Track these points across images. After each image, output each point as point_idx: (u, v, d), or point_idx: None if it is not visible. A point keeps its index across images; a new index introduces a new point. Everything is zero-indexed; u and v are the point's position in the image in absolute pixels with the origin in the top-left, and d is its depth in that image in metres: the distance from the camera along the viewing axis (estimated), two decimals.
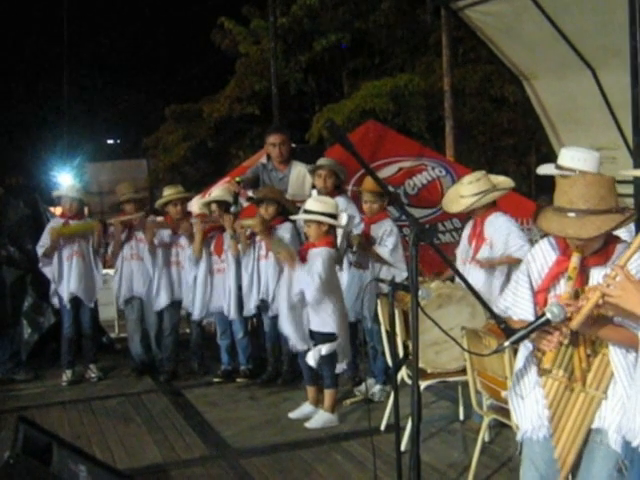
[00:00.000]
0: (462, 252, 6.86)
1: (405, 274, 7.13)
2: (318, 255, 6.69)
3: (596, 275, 3.44)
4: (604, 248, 3.45)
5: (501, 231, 6.47)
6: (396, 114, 18.36)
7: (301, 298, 6.76)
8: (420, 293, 4.46)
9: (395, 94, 18.12)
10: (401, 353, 6.15)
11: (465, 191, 6.59)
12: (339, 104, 18.98)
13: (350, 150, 3.18)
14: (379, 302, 6.70)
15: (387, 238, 7.34)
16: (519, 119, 17.24)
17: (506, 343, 3.34)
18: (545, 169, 5.69)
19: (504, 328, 3.45)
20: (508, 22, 9.87)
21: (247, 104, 21.52)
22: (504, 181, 6.83)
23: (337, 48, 20.32)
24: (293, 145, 9.81)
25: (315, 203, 6.84)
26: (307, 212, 6.83)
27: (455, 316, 6.08)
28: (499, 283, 6.45)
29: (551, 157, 10.10)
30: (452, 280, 6.64)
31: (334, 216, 6.82)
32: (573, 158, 5.41)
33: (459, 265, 6.73)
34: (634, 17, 4.90)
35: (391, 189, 9.57)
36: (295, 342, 6.90)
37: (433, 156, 10.51)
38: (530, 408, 3.68)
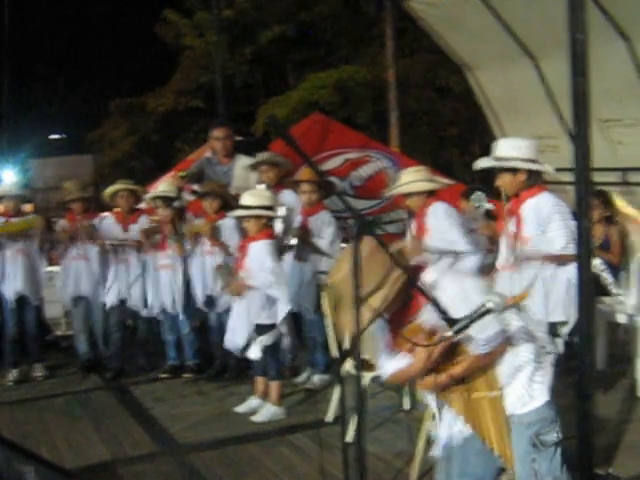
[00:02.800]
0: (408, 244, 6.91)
1: None
2: (263, 250, 6.70)
3: None
4: None
5: (443, 222, 6.53)
6: (341, 106, 18.39)
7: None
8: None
9: (340, 86, 18.17)
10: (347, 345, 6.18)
11: (406, 178, 6.70)
12: (284, 96, 18.97)
13: (291, 144, 3.18)
14: (322, 294, 6.72)
15: (325, 230, 7.38)
16: (463, 109, 17.35)
17: (449, 333, 3.39)
18: (484, 162, 5.72)
19: (446, 318, 3.49)
20: (451, 13, 9.96)
21: (192, 97, 21.41)
22: (444, 180, 6.97)
23: (282, 40, 20.27)
24: (239, 138, 9.79)
25: (250, 197, 6.84)
26: (244, 207, 6.82)
27: None
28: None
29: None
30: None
31: (271, 208, 6.83)
32: (512, 147, 5.48)
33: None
34: (574, 6, 4.96)
35: (336, 181, 9.60)
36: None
37: (378, 147, 10.55)
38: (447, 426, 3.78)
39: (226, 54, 18.99)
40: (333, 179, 9.53)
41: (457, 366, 3.59)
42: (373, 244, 3.47)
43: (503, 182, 5.56)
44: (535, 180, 5.53)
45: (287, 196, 7.71)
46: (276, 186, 7.85)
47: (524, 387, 3.64)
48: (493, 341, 3.51)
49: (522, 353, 3.66)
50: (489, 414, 3.67)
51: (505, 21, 9.40)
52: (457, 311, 3.43)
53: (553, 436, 3.67)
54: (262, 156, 8.16)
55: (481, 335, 3.48)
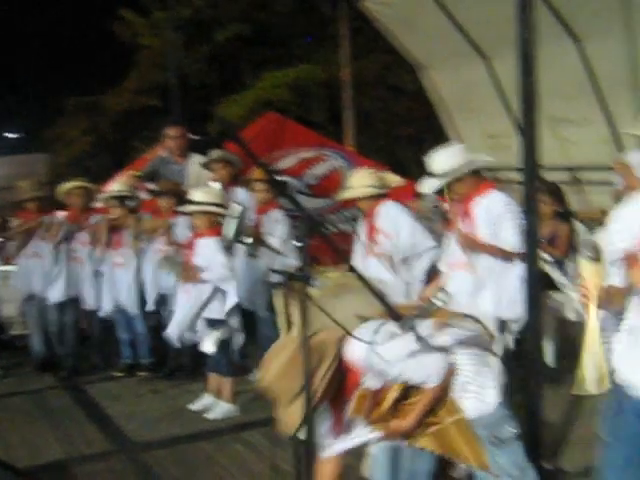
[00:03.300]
0: (361, 244, 6.97)
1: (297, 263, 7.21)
2: (211, 246, 6.75)
3: None
4: None
5: (394, 221, 6.59)
6: (297, 105, 18.39)
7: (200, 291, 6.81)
8: (313, 283, 4.57)
9: (295, 85, 18.18)
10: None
11: (355, 182, 6.75)
12: (241, 95, 18.93)
13: (240, 145, 3.23)
14: (275, 293, 6.77)
15: (278, 228, 7.43)
16: (418, 108, 17.42)
17: (396, 330, 3.47)
18: (429, 185, 5.72)
19: (392, 315, 3.57)
20: (404, 13, 10.05)
21: (149, 96, 21.29)
22: (396, 180, 7.02)
23: (238, 39, 20.20)
24: (195, 137, 9.81)
25: (200, 194, 6.88)
26: (193, 203, 6.85)
27: (354, 305, 6.15)
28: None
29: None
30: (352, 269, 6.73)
31: (221, 205, 6.87)
32: (448, 158, 5.51)
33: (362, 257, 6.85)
34: (524, 5, 5.05)
35: (291, 180, 9.64)
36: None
37: (333, 147, 10.60)
38: None
39: (182, 53, 18.90)
40: (288, 178, 9.57)
41: (416, 406, 3.72)
42: (292, 349, 3.59)
43: (454, 192, 5.60)
44: (480, 178, 5.60)
45: (240, 194, 7.74)
46: (229, 184, 7.87)
47: (474, 395, 3.78)
48: (439, 372, 3.65)
49: (464, 368, 3.80)
50: (458, 437, 3.78)
51: (458, 21, 9.51)
52: (413, 374, 3.61)
53: (509, 432, 3.82)
54: (215, 154, 8.18)
55: (427, 371, 3.63)
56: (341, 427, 3.91)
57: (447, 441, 3.81)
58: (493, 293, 5.56)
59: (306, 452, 3.43)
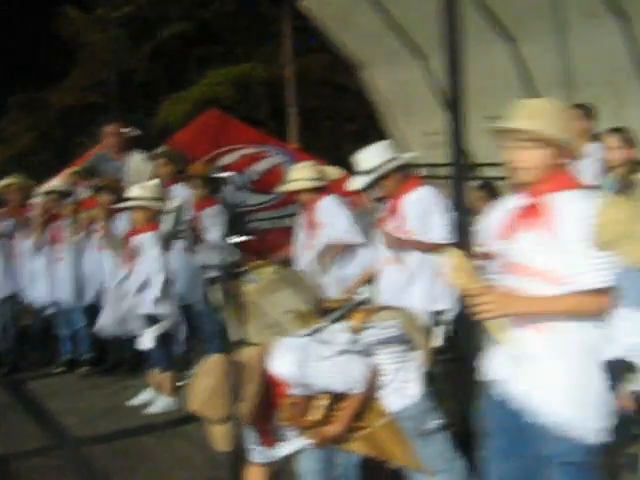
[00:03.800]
0: (300, 239, 7.02)
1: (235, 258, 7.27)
2: (148, 241, 6.80)
3: None
4: None
5: (330, 216, 6.67)
6: (241, 102, 18.42)
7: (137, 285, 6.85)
8: (249, 278, 4.68)
9: (238, 82, 18.21)
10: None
11: (295, 175, 6.81)
12: (185, 92, 18.92)
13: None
14: (213, 287, 6.80)
15: (216, 223, 7.47)
16: (362, 105, 17.52)
17: (319, 325, 3.56)
18: (358, 182, 5.78)
19: (318, 310, 3.67)
20: (342, 12, 10.13)
21: (93, 93, 21.14)
22: (336, 174, 7.07)
23: (182, 36, 20.16)
24: (135, 133, 9.80)
25: (138, 189, 6.91)
26: (131, 199, 6.89)
27: (292, 299, 6.22)
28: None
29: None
30: (290, 264, 6.83)
31: (159, 200, 6.91)
32: (374, 155, 5.59)
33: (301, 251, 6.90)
34: (450, 6, 5.16)
35: (234, 175, 9.69)
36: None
37: (275, 144, 10.64)
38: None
39: (126, 50, 18.85)
40: (231, 173, 9.62)
41: (343, 413, 3.78)
42: (221, 370, 3.60)
43: (382, 189, 5.69)
44: (407, 174, 5.71)
45: (179, 190, 7.78)
46: (170, 181, 7.90)
47: (397, 389, 3.88)
48: (363, 379, 3.72)
49: (386, 367, 3.88)
50: (389, 440, 3.88)
51: (395, 20, 9.60)
52: (338, 384, 3.69)
53: (434, 423, 3.90)
54: (160, 149, 8.21)
55: (351, 380, 3.70)
56: (270, 436, 3.96)
57: (379, 444, 3.90)
58: (424, 286, 5.61)
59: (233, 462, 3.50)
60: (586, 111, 7.11)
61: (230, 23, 19.95)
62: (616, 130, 6.12)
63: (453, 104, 5.25)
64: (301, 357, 3.70)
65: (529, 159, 3.30)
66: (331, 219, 6.62)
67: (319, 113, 18.45)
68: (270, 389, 3.78)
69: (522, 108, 3.34)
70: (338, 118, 19.13)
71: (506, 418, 3.44)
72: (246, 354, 3.88)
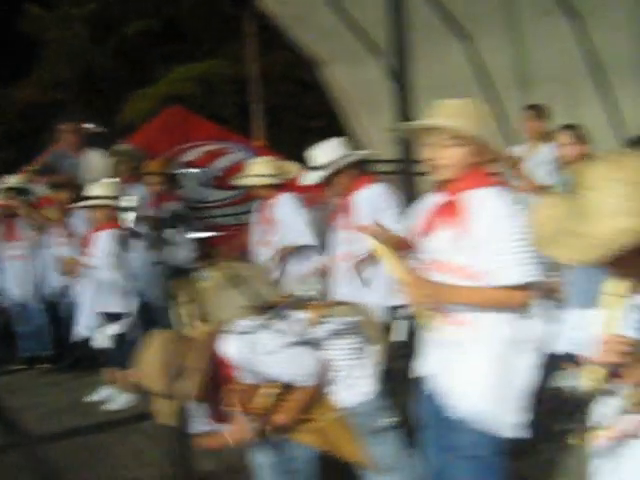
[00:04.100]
0: (257, 234, 7.05)
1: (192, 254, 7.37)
2: (106, 240, 6.82)
3: None
4: None
5: (286, 214, 6.71)
6: (206, 99, 18.39)
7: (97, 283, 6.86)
8: (205, 274, 4.72)
9: (203, 79, 18.19)
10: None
11: (252, 170, 6.82)
12: (149, 89, 18.86)
13: None
14: (171, 284, 6.82)
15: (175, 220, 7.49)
16: (326, 101, 17.55)
17: (264, 320, 3.60)
18: (309, 177, 5.83)
19: (262, 306, 3.71)
20: (300, 11, 10.15)
21: (57, 90, 21.03)
22: (295, 169, 7.08)
23: (147, 33, 20.08)
24: (95, 130, 9.79)
25: (96, 188, 6.91)
26: (90, 198, 6.89)
27: (247, 295, 6.24)
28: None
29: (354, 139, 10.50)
30: (246, 259, 6.86)
31: (118, 198, 6.92)
32: (329, 151, 5.63)
33: (256, 247, 6.92)
34: (396, 6, 5.24)
35: (198, 171, 9.72)
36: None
37: (238, 140, 10.64)
38: None
39: (89, 47, 18.77)
40: (194, 170, 9.65)
41: (291, 404, 3.81)
42: (165, 341, 3.68)
43: (335, 185, 5.69)
44: (360, 171, 5.73)
45: (137, 188, 7.78)
46: (130, 178, 7.91)
47: (351, 385, 3.89)
48: (313, 373, 3.75)
49: (339, 362, 3.90)
50: (339, 435, 3.90)
51: (354, 19, 9.62)
52: (284, 373, 3.72)
53: (386, 421, 3.92)
54: (120, 147, 8.21)
55: (298, 371, 3.73)
56: (219, 418, 3.98)
57: (328, 438, 3.92)
58: (381, 282, 5.58)
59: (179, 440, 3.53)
60: (539, 111, 7.20)
61: (195, 20, 19.90)
62: (568, 127, 6.21)
63: (398, 102, 5.33)
64: (251, 342, 3.71)
65: (448, 157, 3.35)
66: (286, 218, 6.65)
67: (284, 110, 18.45)
68: (220, 369, 3.80)
69: (442, 107, 3.38)
70: (304, 115, 19.14)
71: (435, 412, 3.50)
72: (196, 331, 3.96)
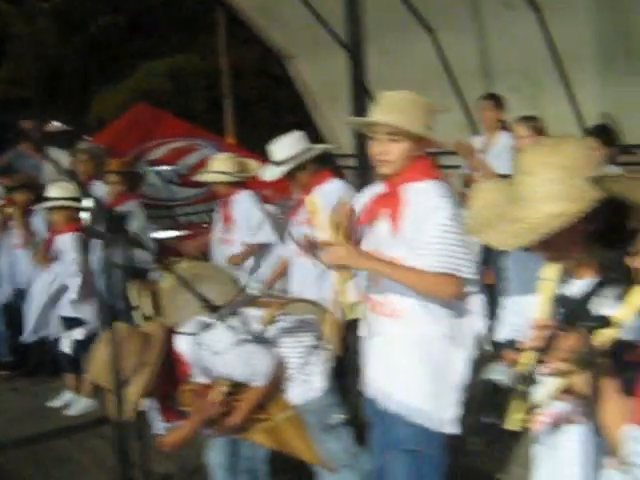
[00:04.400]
0: (217, 232, 6.96)
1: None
2: (67, 242, 6.71)
3: None
4: None
5: (245, 212, 6.62)
6: (176, 94, 18.29)
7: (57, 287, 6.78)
8: (161, 275, 4.67)
9: (173, 74, 18.08)
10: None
11: (212, 167, 6.75)
12: (119, 85, 18.73)
13: None
14: (132, 285, 6.73)
15: (133, 220, 7.40)
16: (298, 96, 17.48)
17: (212, 319, 3.54)
18: (270, 173, 5.71)
19: (207, 306, 3.64)
20: (267, 4, 10.10)
21: (23, 87, 20.81)
22: (254, 165, 6.99)
23: (115, 28, 19.92)
24: (57, 129, 9.71)
25: (56, 189, 6.81)
26: (49, 199, 6.80)
27: (207, 294, 6.17)
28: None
29: (319, 134, 10.45)
30: (205, 259, 6.79)
31: (78, 199, 6.82)
32: (288, 146, 5.50)
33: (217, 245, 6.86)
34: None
35: (164, 169, 9.64)
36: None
37: (207, 137, 10.58)
38: None
39: (57, 42, 18.60)
40: (161, 167, 9.59)
41: (243, 404, 3.77)
42: (121, 335, 3.62)
43: (295, 181, 5.57)
44: (320, 166, 5.64)
45: (98, 187, 7.69)
46: (90, 177, 7.82)
47: (303, 381, 3.87)
48: (265, 372, 3.70)
49: (292, 360, 3.88)
50: (292, 434, 3.88)
51: (315, 10, 9.57)
52: (236, 372, 3.69)
53: (338, 418, 3.90)
54: (82, 145, 8.11)
55: (251, 370, 3.69)
56: (172, 416, 3.95)
57: (281, 437, 3.90)
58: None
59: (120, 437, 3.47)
60: (496, 101, 7.17)
61: (164, 14, 19.76)
62: (526, 118, 6.15)
63: (356, 95, 5.27)
64: (202, 341, 3.69)
65: (388, 152, 3.34)
66: (244, 215, 6.57)
67: (257, 104, 18.37)
68: (176, 366, 3.79)
69: (382, 101, 3.37)
70: (277, 110, 19.05)
71: (376, 407, 3.51)
72: (151, 326, 3.96)
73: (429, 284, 3.26)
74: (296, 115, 19.01)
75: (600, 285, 2.11)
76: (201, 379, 3.79)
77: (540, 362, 2.11)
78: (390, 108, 3.33)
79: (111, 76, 19.47)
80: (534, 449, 2.56)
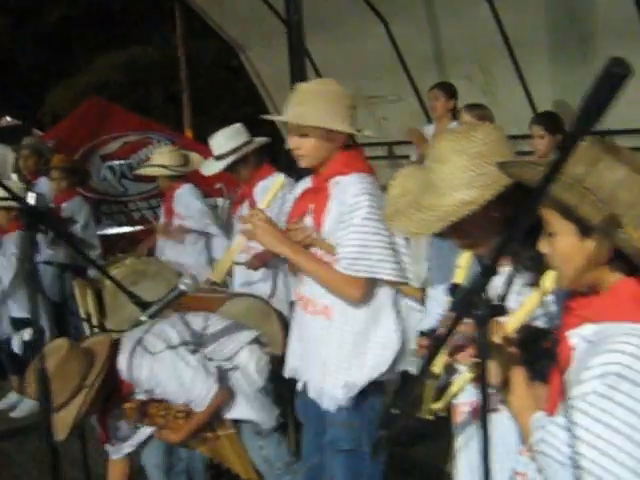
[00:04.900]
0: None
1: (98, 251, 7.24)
2: (11, 243, 6.57)
3: None
4: None
5: (187, 204, 6.51)
6: (134, 87, 18.13)
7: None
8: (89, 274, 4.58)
9: (129, 66, 17.92)
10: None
11: (155, 160, 6.64)
12: (74, 78, 18.54)
13: None
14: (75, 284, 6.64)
15: (78, 215, 7.28)
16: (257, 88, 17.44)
17: (142, 317, 3.45)
18: (209, 167, 5.67)
19: (136, 302, 3.55)
20: None
21: None
22: (197, 160, 6.89)
23: (70, 21, 19.69)
24: (19, 122, 9.58)
25: None
26: None
27: (152, 291, 6.08)
28: (192, 257, 6.49)
29: (275, 125, 10.34)
30: (151, 255, 6.70)
31: (20, 198, 6.67)
32: (227, 139, 5.39)
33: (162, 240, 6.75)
34: None
35: (115, 163, 9.53)
36: None
37: (161, 130, 10.47)
38: None
39: (10, 35, 18.36)
40: (116, 162, 9.49)
41: (186, 426, 3.73)
42: (63, 353, 3.52)
43: (237, 175, 5.49)
44: (261, 159, 5.53)
45: (42, 183, 7.54)
46: (35, 173, 7.68)
47: (242, 395, 3.84)
48: (205, 398, 3.63)
49: (225, 365, 3.85)
50: (230, 450, 3.86)
51: (271, 3, 9.52)
52: (174, 395, 3.64)
53: (273, 422, 3.88)
54: (25, 140, 7.97)
55: (190, 396, 3.63)
56: (108, 432, 3.93)
57: (220, 451, 3.90)
58: (282, 274, 5.37)
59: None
60: (445, 90, 7.12)
61: (121, 6, 19.56)
62: (470, 107, 6.10)
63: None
64: (136, 353, 3.64)
65: (300, 146, 3.28)
66: (187, 209, 6.48)
67: (214, 97, 18.24)
68: (119, 383, 3.71)
69: (294, 95, 3.30)
70: (234, 103, 18.93)
71: (307, 408, 3.50)
72: (93, 341, 3.85)
73: (337, 284, 3.23)
74: (254, 107, 18.98)
75: (515, 272, 2.13)
76: (141, 395, 3.74)
77: (452, 353, 2.14)
78: (297, 102, 3.26)
79: (66, 69, 19.24)
80: (458, 439, 2.58)
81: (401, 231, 2.43)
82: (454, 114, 6.95)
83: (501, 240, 1.63)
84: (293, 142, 3.28)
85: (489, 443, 1.73)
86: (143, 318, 3.44)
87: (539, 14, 7.44)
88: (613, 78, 1.30)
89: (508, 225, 1.84)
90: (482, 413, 1.69)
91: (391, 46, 9.11)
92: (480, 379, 1.76)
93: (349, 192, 3.20)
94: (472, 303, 1.67)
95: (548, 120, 6.14)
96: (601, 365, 1.73)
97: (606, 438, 1.69)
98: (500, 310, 1.76)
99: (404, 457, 4.01)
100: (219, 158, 5.43)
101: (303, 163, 3.33)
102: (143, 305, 3.49)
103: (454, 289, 2.10)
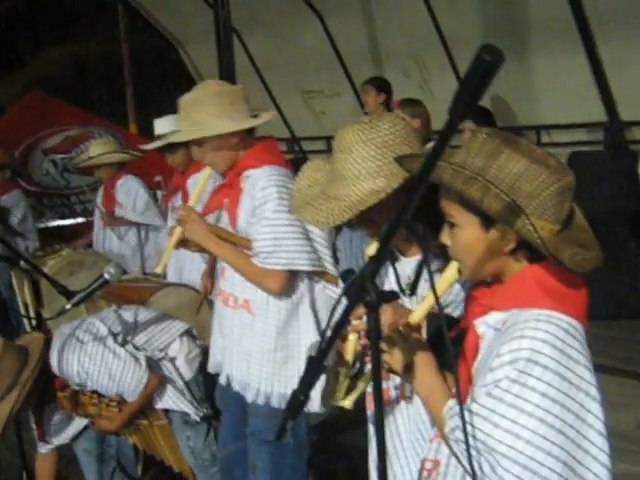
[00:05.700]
0: (98, 218, 6.88)
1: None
2: None
3: None
4: None
5: (129, 194, 6.50)
6: (78, 81, 18.01)
7: None
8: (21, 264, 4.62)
9: (74, 61, 17.79)
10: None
11: (93, 151, 6.65)
12: (17, 73, 18.37)
13: None
14: (12, 273, 6.66)
15: (16, 209, 7.29)
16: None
17: (67, 305, 3.52)
18: (150, 145, 5.67)
19: (62, 291, 3.64)
20: None
21: None
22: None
23: (13, 16, 19.46)
24: None
25: None
26: None
27: (89, 281, 6.12)
28: (130, 248, 6.54)
29: None
30: (90, 246, 6.74)
31: None
32: (167, 122, 5.43)
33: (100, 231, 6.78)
34: None
35: (61, 156, 9.55)
36: None
37: (102, 124, 10.49)
38: None
39: None
40: (60, 155, 9.50)
41: (118, 415, 3.75)
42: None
43: (175, 161, 5.40)
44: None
45: None
46: None
47: (172, 387, 3.87)
48: (135, 389, 3.68)
49: (156, 355, 3.87)
50: (161, 439, 3.92)
51: None
52: (105, 387, 3.67)
53: (201, 412, 3.89)
54: None
55: (119, 388, 3.67)
56: (42, 426, 3.96)
57: (153, 442, 3.96)
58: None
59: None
60: (377, 85, 7.24)
61: (66, 1, 19.40)
62: (404, 102, 6.20)
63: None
64: (66, 348, 3.67)
65: (201, 157, 3.40)
66: (130, 198, 6.45)
67: (158, 91, 18.17)
68: (53, 378, 3.73)
69: (180, 109, 3.34)
70: (178, 96, 18.90)
71: (229, 398, 3.53)
72: (27, 338, 3.86)
73: (257, 278, 3.25)
74: None
75: (425, 260, 2.16)
76: (75, 386, 3.75)
77: (343, 339, 2.15)
78: (182, 116, 3.32)
79: (9, 64, 19.05)
80: (369, 425, 2.54)
81: (309, 221, 2.39)
82: (388, 108, 7.07)
83: (387, 227, 1.62)
84: (196, 154, 3.31)
85: (384, 428, 1.71)
86: (68, 306, 3.50)
87: (472, 9, 7.59)
88: (486, 65, 1.35)
89: (418, 216, 1.90)
90: (376, 398, 1.67)
91: (328, 41, 9.21)
92: (377, 368, 1.71)
93: (258, 185, 3.22)
94: (363, 289, 1.65)
95: (478, 115, 6.13)
96: (512, 351, 1.75)
97: (521, 423, 1.72)
98: (390, 296, 1.75)
99: (332, 442, 4.05)
100: (159, 138, 5.40)
101: (217, 170, 3.41)
102: (68, 294, 3.58)
103: (346, 275, 2.00)
